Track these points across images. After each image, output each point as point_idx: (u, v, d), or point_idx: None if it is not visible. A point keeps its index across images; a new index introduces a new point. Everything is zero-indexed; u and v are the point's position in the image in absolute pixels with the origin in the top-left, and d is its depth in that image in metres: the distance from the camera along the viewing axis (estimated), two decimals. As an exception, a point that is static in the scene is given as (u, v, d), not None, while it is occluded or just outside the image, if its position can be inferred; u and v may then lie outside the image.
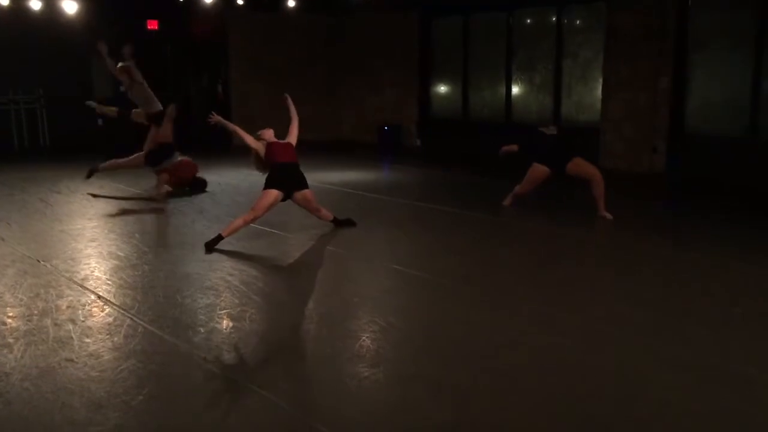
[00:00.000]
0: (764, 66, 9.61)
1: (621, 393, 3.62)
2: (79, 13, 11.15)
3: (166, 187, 9.03)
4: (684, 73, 10.50)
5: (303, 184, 6.78)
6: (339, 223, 7.17)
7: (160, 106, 9.24)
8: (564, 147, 7.88)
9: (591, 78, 11.76)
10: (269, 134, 6.87)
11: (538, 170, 7.90)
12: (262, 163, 6.84)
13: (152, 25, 14.21)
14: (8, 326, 4.49)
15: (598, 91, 11.47)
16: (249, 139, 6.78)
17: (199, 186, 9.39)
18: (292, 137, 7.01)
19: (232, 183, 10.02)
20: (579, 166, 7.73)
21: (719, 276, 5.71)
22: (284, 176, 6.66)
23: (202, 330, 4.45)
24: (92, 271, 5.74)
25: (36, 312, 4.74)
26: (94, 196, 8.99)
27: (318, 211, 7.00)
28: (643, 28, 10.58)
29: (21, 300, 5.00)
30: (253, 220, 6.57)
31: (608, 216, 7.52)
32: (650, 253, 6.40)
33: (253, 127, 16.00)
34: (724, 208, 8.40)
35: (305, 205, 6.89)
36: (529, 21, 12.78)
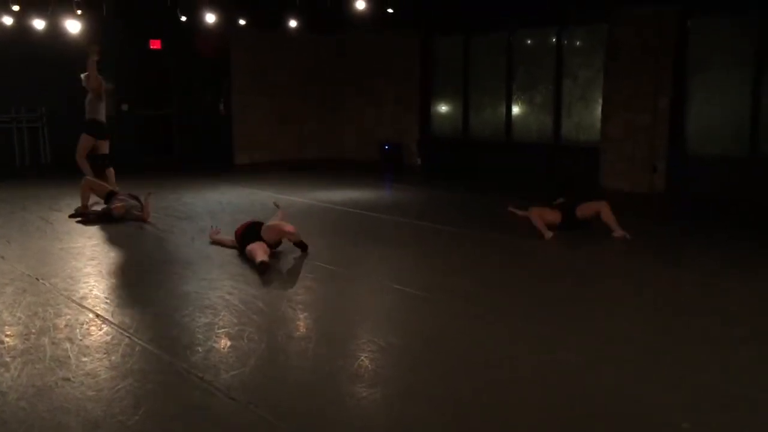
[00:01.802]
0: (764, 85, 9.65)
1: (622, 411, 3.60)
2: (82, 33, 11.21)
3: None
4: (684, 92, 10.54)
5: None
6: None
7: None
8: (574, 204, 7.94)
9: (591, 98, 11.82)
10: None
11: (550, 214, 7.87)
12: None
13: (155, 44, 14.31)
14: (6, 345, 4.47)
15: (598, 111, 11.52)
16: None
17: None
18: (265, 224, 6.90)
19: (234, 201, 10.02)
20: (585, 208, 7.81)
21: (722, 295, 5.68)
22: (250, 234, 6.73)
23: (200, 349, 4.43)
24: (91, 290, 5.73)
25: (34, 330, 4.72)
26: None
27: (291, 230, 6.79)
28: (643, 48, 10.64)
29: (19, 318, 4.98)
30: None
31: (622, 235, 7.50)
32: (651, 272, 6.39)
33: (254, 144, 16.06)
34: (726, 228, 8.40)
35: (278, 233, 6.75)
36: (529, 41, 12.87)
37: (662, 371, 4.08)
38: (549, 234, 7.58)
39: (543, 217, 7.76)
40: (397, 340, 4.60)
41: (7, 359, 4.23)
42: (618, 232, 7.55)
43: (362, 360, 4.25)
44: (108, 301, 5.44)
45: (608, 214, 7.65)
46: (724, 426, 3.47)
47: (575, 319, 5.05)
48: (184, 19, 12.45)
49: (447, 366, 4.22)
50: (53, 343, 4.47)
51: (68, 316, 5.02)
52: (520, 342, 4.60)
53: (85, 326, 4.82)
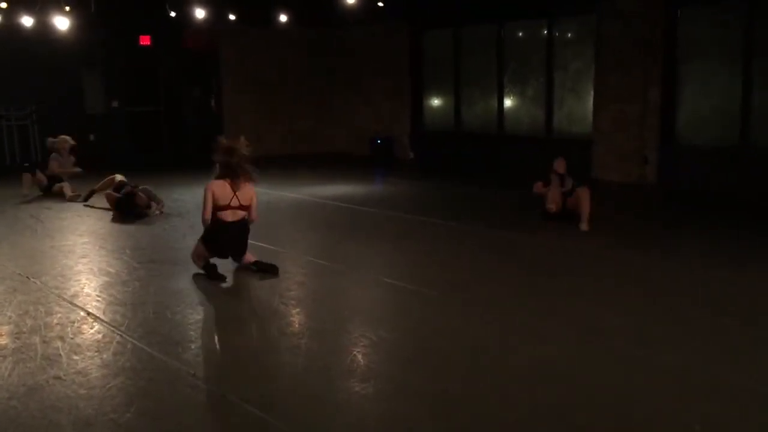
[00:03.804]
0: (754, 76, 9.67)
1: (613, 403, 3.60)
2: (70, 30, 11.14)
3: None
4: (674, 84, 10.55)
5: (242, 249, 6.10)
6: (262, 268, 6.09)
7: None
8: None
9: (582, 90, 11.81)
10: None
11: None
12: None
13: (145, 40, 14.23)
14: (-4, 344, 4.46)
15: (590, 103, 11.52)
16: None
17: None
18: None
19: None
20: (573, 199, 7.88)
21: (709, 286, 5.70)
22: (224, 238, 5.99)
23: (191, 346, 4.42)
24: (82, 288, 5.71)
25: (25, 329, 4.70)
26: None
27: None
28: (633, 40, 10.64)
29: (10, 317, 4.96)
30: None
31: (585, 228, 7.56)
32: (641, 264, 6.40)
33: (245, 139, 15.98)
34: (715, 218, 8.42)
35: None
36: (520, 34, 12.86)
37: (653, 362, 4.09)
38: (552, 207, 7.86)
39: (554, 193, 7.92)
40: (389, 335, 4.60)
41: (-2, 358, 4.21)
42: (584, 226, 7.56)
43: (354, 355, 4.25)
44: (99, 298, 5.42)
45: (586, 204, 7.66)
46: (715, 416, 3.48)
47: (565, 312, 5.05)
48: (173, 14, 12.40)
49: (439, 360, 4.23)
50: (44, 342, 4.46)
51: (59, 315, 5.00)
52: (513, 336, 4.60)
53: (76, 324, 4.80)
